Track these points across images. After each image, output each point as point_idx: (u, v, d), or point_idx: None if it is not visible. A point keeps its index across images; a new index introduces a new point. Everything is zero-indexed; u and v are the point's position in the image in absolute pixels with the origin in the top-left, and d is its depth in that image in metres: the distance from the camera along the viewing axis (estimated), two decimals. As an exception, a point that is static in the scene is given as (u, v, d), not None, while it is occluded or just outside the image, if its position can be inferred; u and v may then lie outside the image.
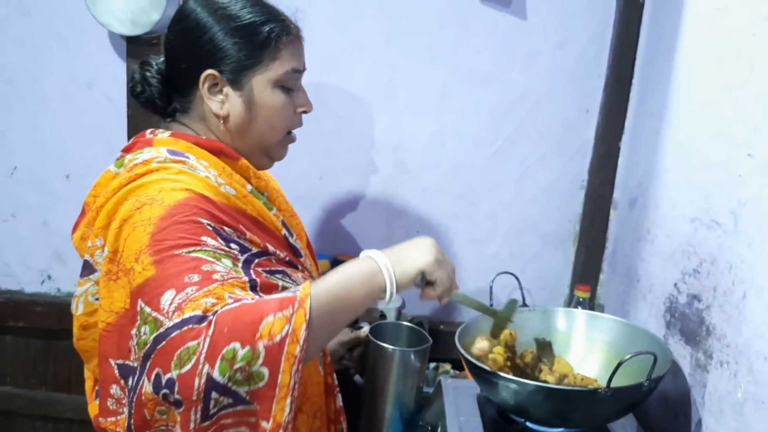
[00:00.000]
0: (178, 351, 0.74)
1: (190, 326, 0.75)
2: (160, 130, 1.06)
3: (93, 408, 1.02)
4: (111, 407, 0.93)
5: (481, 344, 1.26)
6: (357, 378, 1.57)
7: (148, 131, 1.07)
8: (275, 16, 1.04)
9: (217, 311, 0.76)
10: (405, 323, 1.44)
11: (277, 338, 0.76)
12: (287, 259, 1.04)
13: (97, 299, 0.95)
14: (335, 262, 1.82)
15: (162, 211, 0.86)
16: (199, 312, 0.76)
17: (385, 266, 0.90)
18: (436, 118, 1.75)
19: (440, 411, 1.39)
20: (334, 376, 1.16)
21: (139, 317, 0.81)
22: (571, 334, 1.37)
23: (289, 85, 1.07)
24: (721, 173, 1.15)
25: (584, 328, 1.36)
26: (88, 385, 1.06)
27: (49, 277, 1.89)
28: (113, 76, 1.76)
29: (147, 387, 0.76)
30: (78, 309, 0.99)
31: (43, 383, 1.93)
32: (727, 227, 1.12)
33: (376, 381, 1.50)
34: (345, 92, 1.74)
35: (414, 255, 0.95)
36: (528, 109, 1.74)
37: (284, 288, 0.97)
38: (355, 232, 1.86)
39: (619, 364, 1.06)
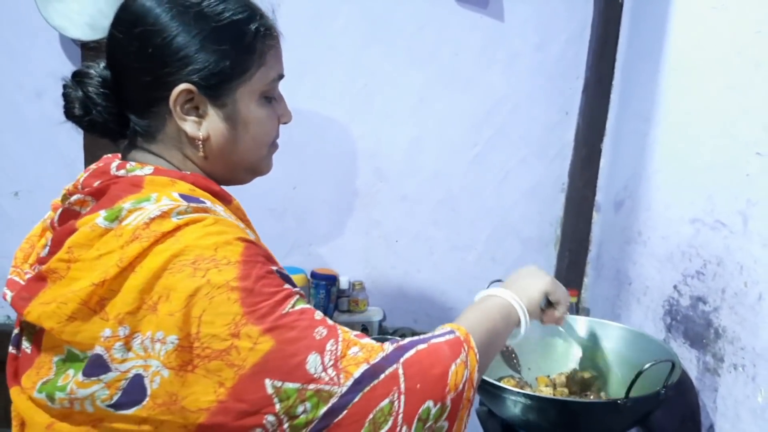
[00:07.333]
0: (370, 416, 0.68)
1: (372, 385, 0.69)
2: (135, 165, 0.83)
3: None
4: None
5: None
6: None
7: (113, 166, 0.83)
8: (257, 11, 0.86)
9: (392, 359, 0.71)
10: (389, 337, 1.37)
11: (460, 387, 0.73)
12: None
13: (108, 407, 0.72)
14: (313, 276, 1.74)
15: (236, 271, 0.71)
16: (365, 365, 0.70)
17: (513, 299, 0.90)
18: (414, 123, 1.70)
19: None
20: None
21: (277, 399, 0.69)
22: (572, 342, 1.33)
23: (272, 94, 0.90)
24: (726, 173, 1.13)
25: (586, 335, 1.32)
26: None
27: (-2, 304, 1.74)
28: (66, 84, 1.63)
29: None
30: (85, 410, 0.74)
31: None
32: (734, 228, 1.11)
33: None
34: (319, 98, 1.67)
35: (534, 282, 0.97)
36: (508, 112, 1.71)
37: None
38: (332, 244, 1.78)
39: (639, 374, 1.03)
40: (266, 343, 0.68)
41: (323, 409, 0.68)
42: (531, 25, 1.66)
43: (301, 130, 1.67)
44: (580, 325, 1.34)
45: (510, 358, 1.33)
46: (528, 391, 1.16)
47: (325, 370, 0.69)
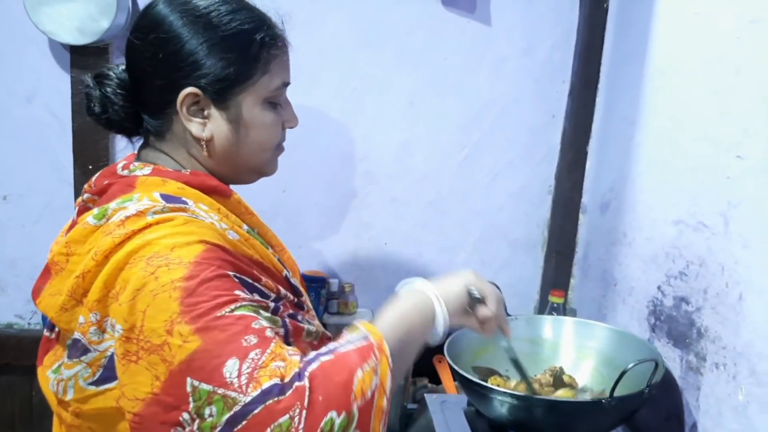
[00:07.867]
0: (268, 430, 0.65)
1: (275, 399, 0.66)
2: (137, 165, 0.89)
3: None
4: None
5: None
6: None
7: (120, 165, 0.90)
8: (264, 22, 0.91)
9: (301, 374, 0.68)
10: None
11: (368, 395, 0.69)
12: (295, 301, 0.94)
13: (90, 384, 0.80)
14: (302, 278, 1.75)
15: (184, 271, 0.73)
16: (277, 380, 0.67)
17: (431, 292, 0.87)
18: (404, 126, 1.72)
19: (427, 427, 1.35)
20: None
21: (192, 399, 0.68)
22: (559, 342, 1.35)
23: (277, 101, 0.95)
24: (708, 175, 1.16)
25: (572, 335, 1.35)
26: None
27: (-12, 308, 1.74)
28: (56, 88, 1.63)
29: None
30: (66, 394, 0.81)
31: (-16, 423, 1.77)
32: (716, 229, 1.13)
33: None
34: (310, 101, 1.68)
35: (455, 278, 0.93)
36: (495, 115, 1.72)
37: (308, 332, 0.88)
38: (322, 246, 1.80)
39: (623, 374, 1.05)
40: (194, 343, 0.69)
41: (226, 416, 0.66)
42: (518, 29, 1.68)
43: (291, 133, 1.67)
44: (567, 325, 1.37)
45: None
46: (514, 390, 1.17)
47: (239, 376, 0.67)
